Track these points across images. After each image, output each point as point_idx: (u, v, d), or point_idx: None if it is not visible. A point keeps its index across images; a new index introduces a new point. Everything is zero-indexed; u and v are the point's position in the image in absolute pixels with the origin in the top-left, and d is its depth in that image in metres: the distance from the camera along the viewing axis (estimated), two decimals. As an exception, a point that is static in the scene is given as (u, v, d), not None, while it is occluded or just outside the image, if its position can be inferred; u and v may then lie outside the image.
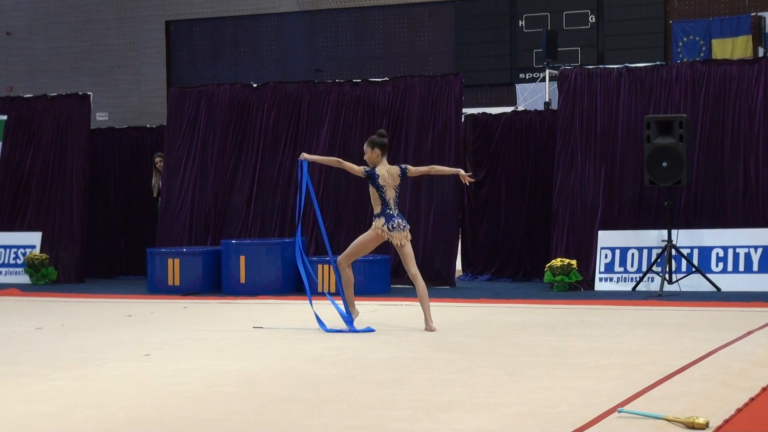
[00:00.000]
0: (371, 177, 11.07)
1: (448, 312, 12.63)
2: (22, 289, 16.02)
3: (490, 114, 17.28)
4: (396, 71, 25.05)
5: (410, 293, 14.44)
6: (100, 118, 29.31)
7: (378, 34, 29.47)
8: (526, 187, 16.61)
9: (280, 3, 30.54)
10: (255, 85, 17.05)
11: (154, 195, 17.58)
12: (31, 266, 16.96)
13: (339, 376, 8.27)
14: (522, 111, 17.65)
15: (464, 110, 16.58)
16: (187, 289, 15.18)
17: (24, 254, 17.27)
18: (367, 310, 12.85)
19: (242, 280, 15.00)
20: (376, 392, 7.53)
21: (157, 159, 17.46)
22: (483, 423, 6.53)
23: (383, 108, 16.21)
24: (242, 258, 15.04)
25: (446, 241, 15.69)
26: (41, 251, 17.19)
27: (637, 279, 14.74)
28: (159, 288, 15.37)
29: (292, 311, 13.02)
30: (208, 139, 16.94)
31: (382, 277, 14.96)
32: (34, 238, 17.35)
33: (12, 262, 17.43)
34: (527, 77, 25.81)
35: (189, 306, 13.73)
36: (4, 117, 18.02)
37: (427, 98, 16.09)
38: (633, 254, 15.06)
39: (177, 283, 15.30)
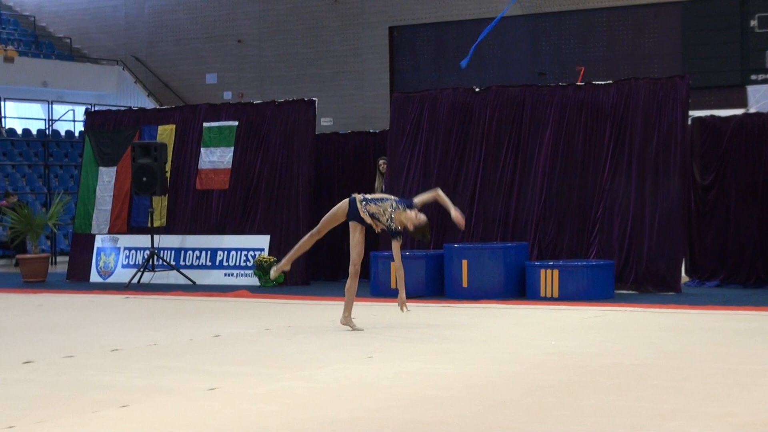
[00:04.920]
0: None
1: (672, 318, 12.33)
2: (252, 291, 16.47)
3: (719, 116, 16.77)
4: (620, 74, 24.64)
5: (635, 299, 14.18)
6: (325, 123, 29.91)
7: (602, 36, 29.10)
8: (759, 192, 16.04)
9: (503, 6, 30.47)
10: (477, 89, 17.04)
11: (372, 198, 17.76)
12: (260, 268, 17.41)
13: (561, 381, 8.16)
14: (754, 113, 17.07)
15: (691, 113, 16.15)
16: (409, 293, 15.25)
17: (253, 256, 17.74)
18: (591, 315, 12.68)
19: (465, 283, 15.00)
20: (599, 399, 7.40)
21: (381, 162, 17.66)
22: (710, 434, 6.34)
23: (607, 111, 15.95)
24: (465, 262, 15.04)
25: (672, 246, 15.31)
26: (269, 254, 17.62)
27: None
28: (382, 291, 15.52)
29: (515, 316, 12.95)
30: (430, 143, 17.03)
31: (606, 282, 14.70)
32: (263, 241, 17.81)
33: (243, 264, 17.94)
34: (759, 78, 24.97)
35: (412, 309, 13.81)
36: (236, 123, 18.57)
37: (652, 101, 15.74)
38: None
39: (400, 286, 15.39)
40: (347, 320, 11.66)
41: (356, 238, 11.71)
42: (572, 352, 9.72)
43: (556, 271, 14.58)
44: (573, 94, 16.26)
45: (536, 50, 29.75)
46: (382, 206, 11.66)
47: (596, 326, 11.70)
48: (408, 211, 11.57)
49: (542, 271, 14.67)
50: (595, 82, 16.46)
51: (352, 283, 11.66)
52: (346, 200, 11.88)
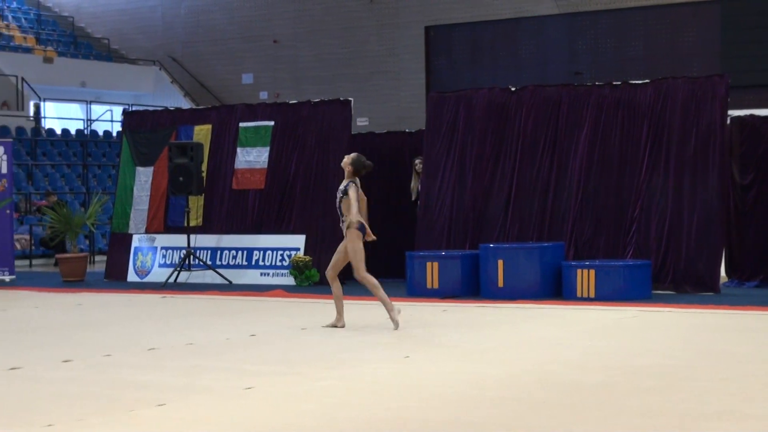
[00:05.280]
0: (347, 187, 11.84)
1: (712, 319, 12.24)
2: (288, 291, 16.49)
3: (759, 116, 16.63)
4: (657, 73, 24.49)
5: (673, 299, 14.08)
6: (361, 123, 29.90)
7: (639, 36, 28.96)
8: (800, 192, 15.89)
9: (540, 6, 30.40)
10: (513, 89, 16.98)
11: (413, 198, 17.76)
12: (296, 268, 17.43)
13: (602, 382, 8.11)
14: (795, 112, 16.90)
15: (730, 112, 16.02)
16: (445, 293, 15.25)
17: (289, 256, 17.76)
18: (629, 315, 12.61)
19: (500, 283, 14.95)
20: (642, 399, 7.35)
21: (417, 162, 17.64)
22: (754, 435, 6.28)
23: (644, 110, 15.85)
24: (500, 262, 14.99)
25: (711, 247, 15.19)
26: (305, 253, 17.63)
27: None
28: (418, 291, 15.50)
29: (552, 316, 12.89)
30: (466, 143, 16.99)
31: (643, 282, 14.61)
32: (298, 240, 17.82)
33: (279, 264, 17.96)
34: (800, 77, 24.79)
35: (448, 309, 13.80)
36: (272, 123, 18.60)
37: (691, 100, 15.63)
38: None
39: (436, 286, 15.39)
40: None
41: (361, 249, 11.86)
42: (611, 352, 9.66)
43: (592, 271, 14.50)
44: (610, 94, 16.16)
45: (573, 49, 29.63)
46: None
47: (634, 326, 11.63)
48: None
49: (579, 271, 14.59)
50: (632, 82, 16.36)
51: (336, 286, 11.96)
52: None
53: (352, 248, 11.70)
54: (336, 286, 11.92)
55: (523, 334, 11.25)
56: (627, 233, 15.62)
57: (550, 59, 29.81)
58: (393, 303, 11.79)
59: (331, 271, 11.92)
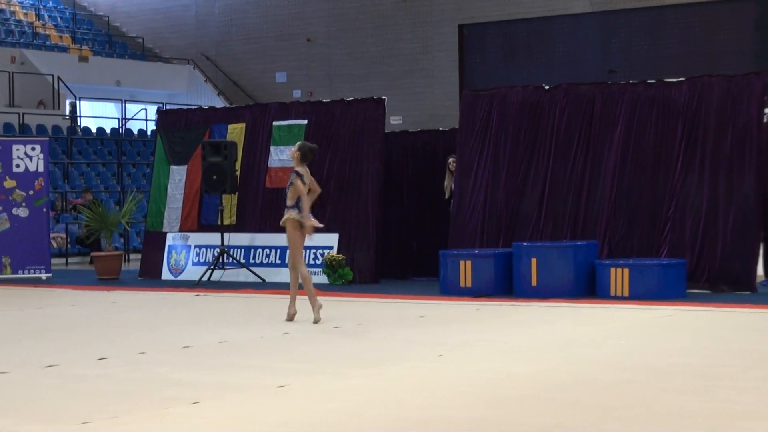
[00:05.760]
0: (300, 176, 12.44)
1: (748, 318, 12.16)
2: (321, 289, 16.48)
3: (795, 114, 16.52)
4: (692, 71, 24.39)
5: (708, 298, 14.02)
6: (394, 121, 29.91)
7: (674, 34, 28.82)
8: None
9: (574, 4, 30.32)
10: (547, 87, 16.94)
11: (446, 196, 17.76)
12: (329, 267, 17.46)
13: (631, 381, 8.09)
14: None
15: (766, 111, 15.91)
16: (478, 291, 15.24)
17: (323, 255, 17.79)
18: (663, 314, 12.56)
19: (534, 282, 14.92)
20: (672, 399, 7.32)
21: (451, 160, 17.62)
22: (787, 436, 6.25)
23: (678, 108, 15.78)
24: (534, 260, 14.96)
25: (747, 245, 15.09)
26: (338, 252, 17.66)
27: None
28: (451, 289, 15.49)
29: (585, 315, 12.86)
30: (499, 142, 16.96)
31: (677, 281, 14.54)
32: (331, 239, 17.84)
33: (312, 262, 17.98)
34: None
35: (480, 308, 13.79)
36: (305, 121, 18.63)
37: (726, 98, 15.54)
38: None
39: (469, 284, 15.38)
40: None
41: (300, 238, 12.61)
42: (644, 351, 9.62)
43: (626, 270, 14.44)
44: (644, 92, 16.10)
45: (607, 47, 29.53)
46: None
47: (668, 326, 11.58)
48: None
49: (612, 269, 14.54)
50: (666, 80, 16.29)
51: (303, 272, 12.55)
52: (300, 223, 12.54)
53: (289, 236, 12.45)
54: (294, 275, 12.61)
55: (556, 332, 11.22)
56: (661, 232, 15.56)
57: (584, 57, 29.73)
58: (318, 299, 12.52)
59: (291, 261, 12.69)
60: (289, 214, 12.46)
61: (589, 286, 14.84)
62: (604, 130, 16.24)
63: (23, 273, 19.62)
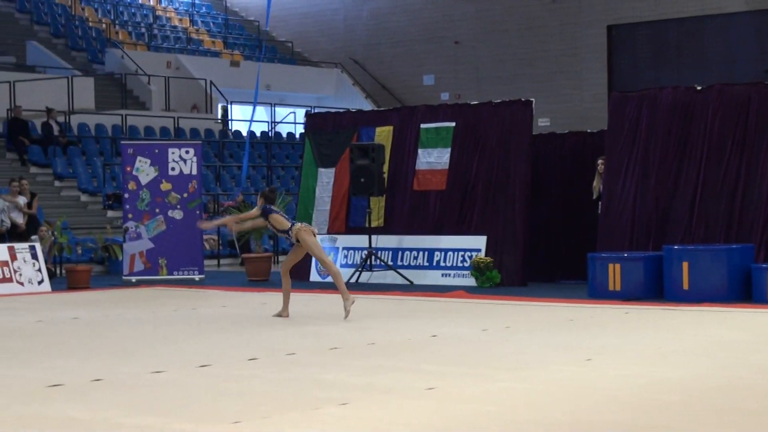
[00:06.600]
0: (269, 210, 13.33)
1: None
2: (469, 291, 16.50)
3: None
4: None
5: None
6: (542, 123, 29.74)
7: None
8: None
9: (728, 3, 29.69)
10: (699, 88, 16.61)
11: (594, 197, 17.54)
12: (477, 269, 17.42)
13: (790, 389, 7.88)
14: None
15: None
16: (628, 295, 15.03)
17: (470, 257, 17.76)
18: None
19: (685, 286, 14.64)
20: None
21: (600, 162, 17.42)
22: None
23: (839, 108, 15.30)
24: (685, 264, 14.69)
25: None
26: (486, 254, 17.61)
27: None
28: (600, 293, 15.31)
29: (740, 319, 12.57)
30: (649, 143, 16.70)
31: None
32: (479, 241, 17.81)
33: (459, 264, 17.99)
34: None
35: (630, 312, 13.60)
36: (453, 124, 18.64)
37: None
38: None
39: (618, 288, 15.18)
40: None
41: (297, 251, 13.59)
42: (801, 358, 9.37)
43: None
44: (802, 91, 15.66)
45: (763, 47, 28.81)
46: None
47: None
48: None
49: (768, 272, 14.19)
50: (826, 79, 15.82)
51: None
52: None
53: (310, 244, 13.30)
54: (286, 281, 13.51)
55: (708, 337, 11.00)
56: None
57: (738, 57, 29.07)
58: (288, 301, 13.48)
59: (283, 267, 13.69)
60: (296, 228, 13.25)
61: (744, 291, 14.49)
62: (760, 132, 15.83)
63: (178, 274, 20.07)
